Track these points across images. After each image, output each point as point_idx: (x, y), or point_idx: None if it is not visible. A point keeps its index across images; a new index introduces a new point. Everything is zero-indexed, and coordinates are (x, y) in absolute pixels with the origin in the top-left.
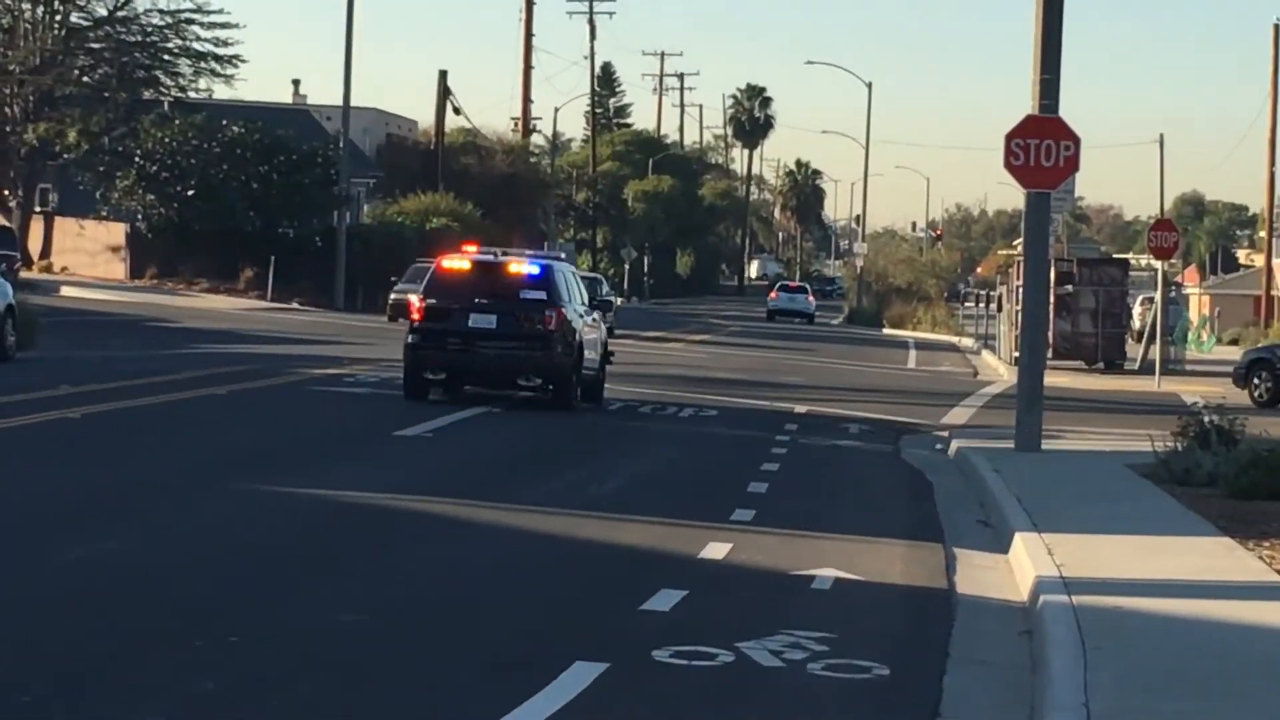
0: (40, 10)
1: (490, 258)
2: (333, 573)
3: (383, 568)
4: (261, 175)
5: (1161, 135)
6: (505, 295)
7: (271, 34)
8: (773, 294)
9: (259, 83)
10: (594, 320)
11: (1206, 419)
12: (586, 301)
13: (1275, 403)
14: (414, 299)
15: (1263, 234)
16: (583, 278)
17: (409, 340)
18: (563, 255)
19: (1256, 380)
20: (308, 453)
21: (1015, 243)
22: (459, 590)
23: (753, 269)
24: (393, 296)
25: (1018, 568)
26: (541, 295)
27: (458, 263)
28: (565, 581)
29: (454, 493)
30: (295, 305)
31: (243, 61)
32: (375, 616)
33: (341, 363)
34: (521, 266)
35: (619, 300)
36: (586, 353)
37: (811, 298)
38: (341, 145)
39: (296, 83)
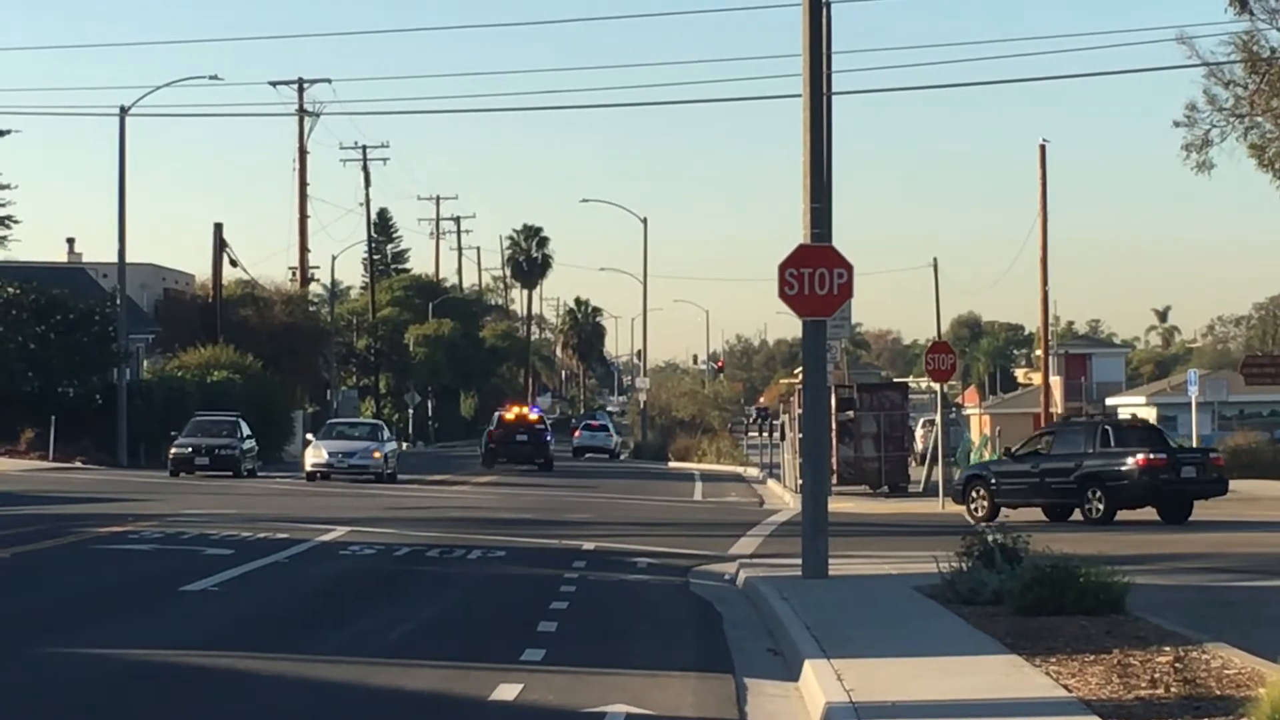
0: None
1: (521, 408)
2: None
3: None
4: (39, 335)
5: (935, 259)
6: (529, 424)
7: (44, 193)
8: (576, 432)
9: (32, 242)
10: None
11: (990, 538)
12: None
13: (992, 518)
14: (492, 431)
15: (1039, 352)
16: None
17: (490, 445)
18: (540, 405)
19: (973, 496)
20: (94, 612)
21: (796, 371)
22: None
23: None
24: (173, 451)
25: (808, 695)
26: (543, 427)
27: (510, 414)
28: None
29: (242, 646)
30: (78, 464)
31: (15, 222)
32: None
33: (125, 520)
34: (533, 413)
35: (404, 445)
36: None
37: (613, 435)
38: (118, 302)
39: (71, 241)
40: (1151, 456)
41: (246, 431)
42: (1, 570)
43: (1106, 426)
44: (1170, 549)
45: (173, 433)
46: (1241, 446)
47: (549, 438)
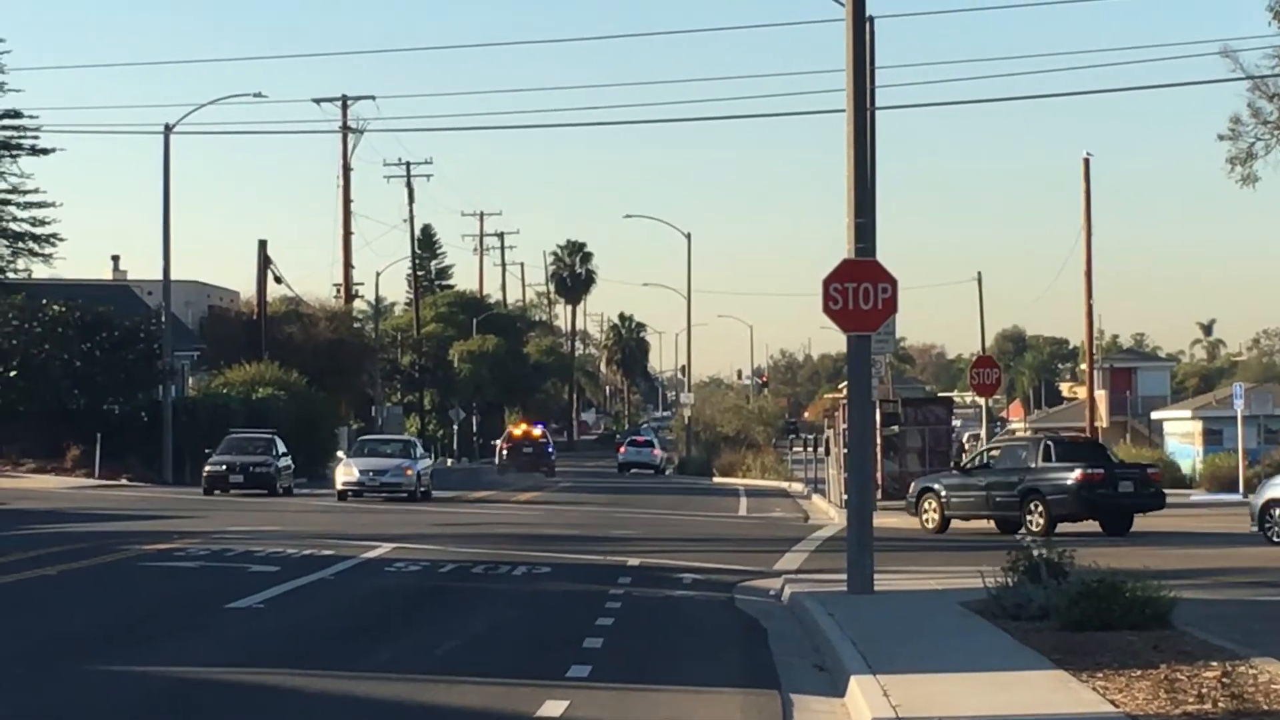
0: None
1: (527, 425)
2: None
3: None
4: (84, 353)
5: (979, 273)
6: (533, 439)
7: (89, 211)
8: (621, 448)
9: (78, 260)
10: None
11: (1036, 553)
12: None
13: (943, 530)
14: (503, 445)
15: (1084, 366)
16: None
17: (504, 456)
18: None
19: (925, 508)
20: (139, 630)
21: (841, 386)
22: None
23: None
24: (208, 468)
25: (855, 711)
26: (545, 440)
27: (517, 430)
28: None
29: (288, 663)
30: (124, 481)
31: (61, 240)
32: None
33: (171, 537)
34: (536, 429)
35: (448, 461)
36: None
37: (658, 450)
38: (163, 319)
39: (116, 259)
40: (1089, 471)
41: (282, 449)
42: (48, 587)
43: (1049, 442)
44: (1216, 564)
45: (207, 449)
46: None
47: (550, 449)
